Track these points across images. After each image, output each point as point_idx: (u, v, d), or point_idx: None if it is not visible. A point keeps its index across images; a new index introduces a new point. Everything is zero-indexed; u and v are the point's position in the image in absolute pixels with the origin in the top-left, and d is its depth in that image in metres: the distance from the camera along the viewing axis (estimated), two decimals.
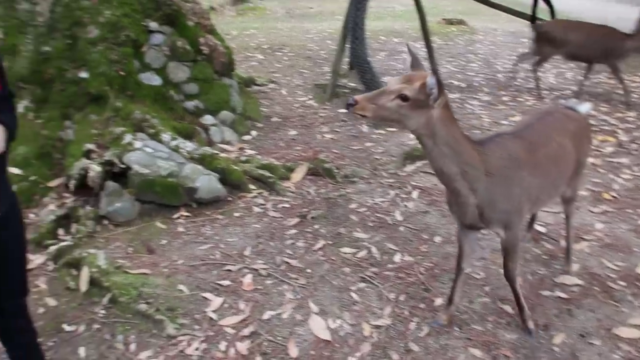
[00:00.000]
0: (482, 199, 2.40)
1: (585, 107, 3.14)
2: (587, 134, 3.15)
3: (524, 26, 12.66)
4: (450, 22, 12.20)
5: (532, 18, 7.77)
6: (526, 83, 7.55)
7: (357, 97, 2.18)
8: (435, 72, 2.12)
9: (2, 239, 2.06)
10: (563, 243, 3.56)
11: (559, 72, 8.30)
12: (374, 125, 5.75)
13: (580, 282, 3.21)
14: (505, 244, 2.63)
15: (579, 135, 2.95)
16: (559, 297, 3.08)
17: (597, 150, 5.09)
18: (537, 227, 3.75)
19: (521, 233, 2.79)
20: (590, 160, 4.55)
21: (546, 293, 3.12)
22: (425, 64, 7.67)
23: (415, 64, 2.33)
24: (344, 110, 6.19)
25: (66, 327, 2.92)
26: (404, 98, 2.14)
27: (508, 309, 2.97)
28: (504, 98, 6.84)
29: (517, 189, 2.50)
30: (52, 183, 4.12)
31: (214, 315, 2.96)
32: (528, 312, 2.82)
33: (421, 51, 8.72)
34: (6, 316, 2.27)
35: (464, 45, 10.13)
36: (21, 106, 4.33)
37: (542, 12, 12.02)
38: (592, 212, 4.05)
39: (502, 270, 3.27)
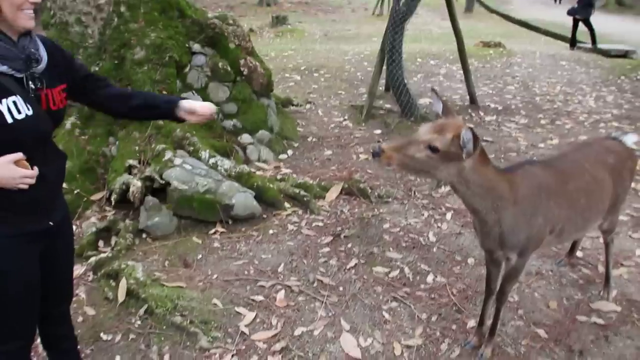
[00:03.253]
0: (506, 226, 2.34)
1: (631, 139, 2.94)
2: (630, 167, 2.91)
3: (564, 49, 12.61)
4: (487, 44, 12.18)
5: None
6: (565, 106, 7.45)
7: (384, 145, 2.03)
8: (470, 127, 2.02)
9: (55, 246, 2.14)
10: (601, 268, 3.49)
11: (599, 95, 8.16)
12: None
13: (617, 308, 3.13)
14: (512, 270, 2.55)
15: (619, 169, 2.80)
16: (596, 323, 3.01)
17: (637, 175, 4.97)
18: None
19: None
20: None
21: (582, 318, 3.06)
22: (462, 85, 7.70)
23: (446, 111, 2.18)
24: (379, 131, 6.24)
25: (103, 336, 3.00)
26: (434, 149, 2.01)
27: (542, 332, 2.92)
28: (542, 121, 6.76)
29: (540, 218, 2.42)
30: (95, 197, 4.28)
31: (246, 330, 3.00)
32: (495, 340, 2.78)
33: (458, 73, 8.74)
34: (51, 323, 2.35)
35: (501, 68, 10.07)
36: (69, 123, 4.53)
37: (583, 35, 11.93)
38: (632, 237, 3.96)
39: (536, 294, 3.26)
